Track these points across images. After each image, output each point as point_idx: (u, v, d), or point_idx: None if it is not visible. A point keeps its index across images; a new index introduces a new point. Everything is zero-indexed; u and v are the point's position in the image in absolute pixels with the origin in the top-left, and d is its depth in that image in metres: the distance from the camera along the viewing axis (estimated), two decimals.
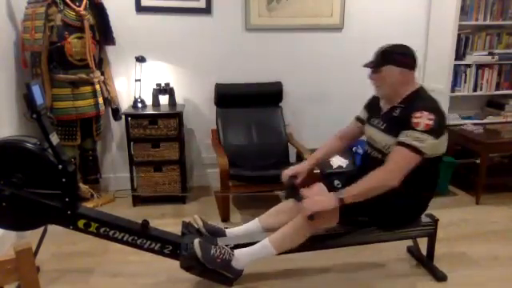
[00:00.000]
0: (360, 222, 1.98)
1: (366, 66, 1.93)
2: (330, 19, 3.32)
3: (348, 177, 2.02)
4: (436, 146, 1.79)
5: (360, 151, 3.06)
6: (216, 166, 2.94)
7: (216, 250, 1.84)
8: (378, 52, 1.91)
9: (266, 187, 2.85)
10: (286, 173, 2.07)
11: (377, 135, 1.95)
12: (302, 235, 1.87)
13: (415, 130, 1.72)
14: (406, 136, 1.74)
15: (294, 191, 1.99)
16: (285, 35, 3.31)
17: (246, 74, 3.26)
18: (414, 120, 1.74)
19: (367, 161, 2.05)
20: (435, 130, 1.73)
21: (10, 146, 1.78)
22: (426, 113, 1.74)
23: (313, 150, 3.15)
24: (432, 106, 1.80)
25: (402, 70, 1.85)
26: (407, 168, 1.73)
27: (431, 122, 1.72)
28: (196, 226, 2.05)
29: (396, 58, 1.86)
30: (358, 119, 2.18)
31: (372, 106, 2.10)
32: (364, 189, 1.75)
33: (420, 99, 1.85)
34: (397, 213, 1.93)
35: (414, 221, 2.09)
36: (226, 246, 1.91)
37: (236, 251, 1.88)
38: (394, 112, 1.89)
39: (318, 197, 1.84)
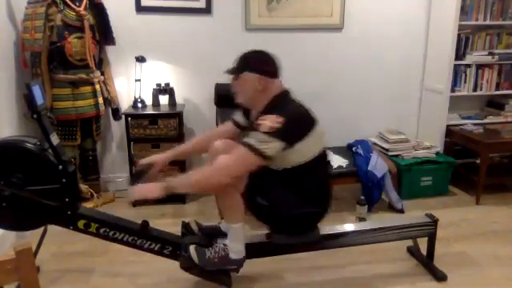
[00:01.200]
0: (258, 206, 1.83)
1: (226, 72, 1.89)
2: (329, 19, 3.32)
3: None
4: (292, 151, 1.72)
5: (360, 151, 3.06)
6: None
7: (211, 252, 1.85)
8: (239, 58, 1.86)
9: None
10: (143, 161, 2.04)
11: None
12: (230, 195, 1.79)
13: (258, 131, 1.67)
14: (248, 137, 1.70)
15: (136, 179, 1.97)
16: (285, 35, 3.31)
17: None
18: (259, 122, 1.70)
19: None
20: (282, 134, 1.66)
21: (10, 146, 1.78)
22: (273, 116, 1.69)
23: None
24: (284, 109, 1.74)
25: (261, 77, 1.80)
26: (244, 168, 1.69)
27: (277, 125, 1.65)
28: (194, 230, 2.07)
29: (254, 64, 1.82)
30: (234, 122, 2.11)
31: (246, 112, 2.04)
32: (194, 180, 1.72)
33: (278, 105, 1.79)
34: (286, 218, 1.85)
35: (303, 232, 1.98)
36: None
37: (227, 242, 1.87)
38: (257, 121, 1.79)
39: (147, 185, 1.78)
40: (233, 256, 1.86)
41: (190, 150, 2.18)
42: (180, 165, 3.03)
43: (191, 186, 1.77)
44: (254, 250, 1.95)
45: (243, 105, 1.96)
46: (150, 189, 1.75)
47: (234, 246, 1.86)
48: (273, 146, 1.66)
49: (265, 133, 1.66)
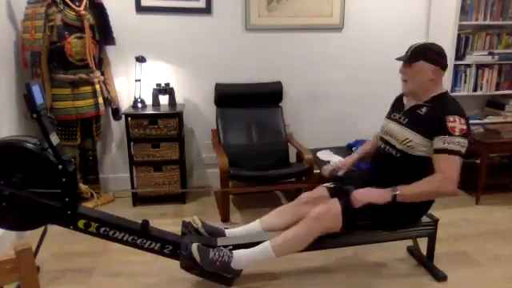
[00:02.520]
0: (362, 227, 1.97)
1: (398, 59, 1.94)
2: (329, 19, 3.32)
3: (361, 180, 2.00)
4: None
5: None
6: (216, 166, 2.94)
7: (215, 254, 1.84)
8: (413, 47, 1.91)
9: (266, 187, 2.85)
10: (327, 167, 2.18)
11: (396, 129, 1.96)
12: (304, 241, 1.86)
13: (453, 135, 1.76)
14: (449, 143, 1.76)
15: (339, 183, 2.02)
16: (285, 35, 3.31)
17: (246, 74, 3.26)
18: (450, 125, 1.77)
19: (380, 158, 2.06)
20: (468, 134, 1.79)
21: (10, 146, 1.78)
22: (457, 117, 1.78)
23: (313, 150, 3.16)
24: (461, 110, 1.84)
25: (435, 68, 1.86)
26: (458, 174, 1.77)
27: (465, 127, 1.77)
28: (195, 226, 2.05)
29: (431, 55, 1.87)
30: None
31: (395, 104, 2.13)
32: (418, 192, 1.79)
33: (448, 102, 1.87)
34: (399, 213, 1.92)
35: (415, 221, 2.10)
36: (226, 246, 1.91)
37: (235, 252, 1.87)
38: (420, 110, 1.90)
39: (376, 191, 1.85)
40: (233, 265, 1.85)
41: (368, 151, 2.28)
42: (180, 165, 3.04)
43: (417, 197, 1.83)
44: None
45: (408, 93, 2.01)
46: (379, 195, 1.81)
47: (243, 259, 1.87)
48: (467, 146, 1.79)
49: (461, 136, 1.76)
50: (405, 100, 2.05)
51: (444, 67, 1.90)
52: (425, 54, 1.87)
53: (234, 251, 1.88)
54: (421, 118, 1.87)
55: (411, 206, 1.90)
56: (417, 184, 1.78)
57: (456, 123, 1.76)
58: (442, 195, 1.83)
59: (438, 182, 1.77)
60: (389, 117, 2.09)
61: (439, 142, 1.77)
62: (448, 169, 1.76)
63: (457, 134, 1.75)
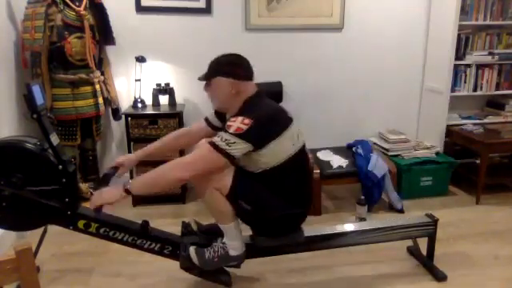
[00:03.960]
0: (243, 209, 1.80)
1: (199, 79, 1.89)
2: (329, 19, 3.32)
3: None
4: (261, 152, 1.71)
5: (360, 151, 3.05)
6: None
7: (210, 252, 1.85)
8: (210, 63, 1.86)
9: None
10: (112, 164, 2.03)
11: None
12: (214, 198, 1.78)
13: (226, 132, 1.68)
14: (216, 136, 1.70)
15: (102, 183, 1.96)
16: (285, 35, 3.31)
17: None
18: (228, 123, 1.70)
19: None
20: (248, 136, 1.66)
21: (10, 146, 1.77)
22: (241, 117, 1.69)
23: (313, 150, 3.16)
24: (254, 111, 1.73)
25: (232, 81, 1.78)
26: (205, 165, 1.68)
27: (244, 127, 1.66)
28: (194, 228, 2.06)
29: (225, 69, 1.80)
30: (207, 121, 2.10)
31: (219, 114, 2.03)
32: (151, 178, 1.70)
33: (249, 107, 1.78)
34: (269, 220, 1.84)
35: (286, 233, 1.95)
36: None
37: (225, 241, 1.86)
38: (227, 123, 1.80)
39: (106, 190, 1.77)
40: (232, 253, 1.86)
41: (160, 149, 2.11)
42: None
43: (150, 185, 1.73)
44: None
45: (219, 110, 1.96)
46: (109, 194, 1.74)
47: (232, 244, 1.86)
48: (239, 148, 1.66)
49: (232, 134, 1.66)
50: (227, 115, 1.93)
51: (243, 77, 1.81)
52: (219, 69, 1.81)
53: (224, 239, 1.87)
54: None
55: (279, 213, 1.82)
56: (155, 169, 1.70)
57: (235, 122, 1.68)
58: (177, 179, 1.70)
59: (175, 165, 1.68)
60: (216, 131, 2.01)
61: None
62: (193, 154, 1.70)
63: (230, 131, 1.66)
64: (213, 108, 2.01)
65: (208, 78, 1.85)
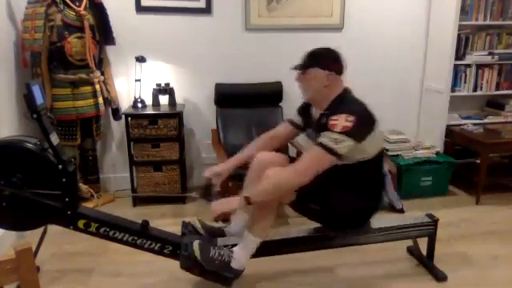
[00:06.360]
0: (311, 210, 1.90)
1: (294, 68, 1.92)
2: (330, 19, 3.32)
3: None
4: (358, 148, 1.75)
5: None
6: None
7: (215, 252, 1.83)
8: (306, 54, 1.89)
9: None
10: (207, 173, 2.06)
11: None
12: (269, 210, 1.82)
13: (332, 131, 1.70)
14: (322, 137, 1.72)
15: (209, 195, 1.98)
16: (285, 35, 3.31)
17: (246, 74, 3.25)
18: (331, 122, 1.72)
19: None
20: (354, 133, 1.70)
21: (10, 146, 1.78)
22: (344, 115, 1.72)
23: None
24: (353, 108, 1.77)
25: (329, 73, 1.83)
26: (318, 167, 1.70)
27: (349, 124, 1.69)
28: (195, 227, 2.06)
29: (323, 61, 1.85)
30: (291, 123, 2.14)
31: (304, 112, 2.08)
32: (268, 186, 1.72)
33: (343, 103, 1.83)
34: (340, 214, 1.88)
35: (357, 227, 2.04)
36: (226, 246, 1.91)
37: (234, 250, 1.87)
38: (323, 120, 1.84)
39: (226, 198, 1.84)
40: (234, 265, 1.84)
41: (251, 155, 2.13)
42: (180, 165, 3.04)
43: (272, 192, 1.75)
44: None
45: (310, 101, 1.99)
46: (230, 202, 1.80)
47: (241, 256, 1.84)
48: (346, 145, 1.70)
49: (339, 132, 1.69)
50: (312, 110, 2.00)
51: (338, 71, 1.87)
52: (317, 61, 1.86)
53: (233, 248, 1.87)
54: (322, 128, 1.79)
55: (349, 209, 1.87)
56: (270, 177, 1.73)
57: (339, 120, 1.71)
58: (294, 186, 1.74)
59: (288, 173, 1.72)
60: (306, 131, 2.08)
61: (318, 139, 1.74)
62: (303, 159, 1.73)
63: (336, 130, 1.69)
64: (303, 99, 2.04)
65: (305, 68, 1.88)
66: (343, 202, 1.84)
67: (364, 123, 1.76)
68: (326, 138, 1.71)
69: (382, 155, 1.92)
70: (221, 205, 1.81)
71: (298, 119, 2.12)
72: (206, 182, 2.02)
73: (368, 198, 1.91)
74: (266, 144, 2.14)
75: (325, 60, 1.86)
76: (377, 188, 1.99)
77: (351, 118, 1.70)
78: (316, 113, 1.95)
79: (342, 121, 1.71)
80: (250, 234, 1.84)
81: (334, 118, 1.73)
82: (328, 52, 1.90)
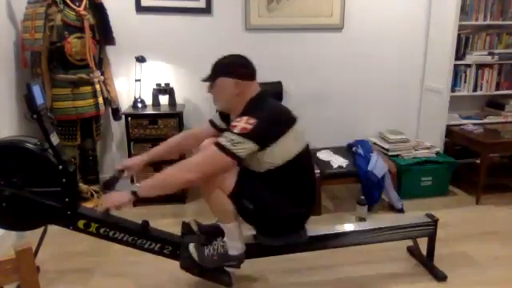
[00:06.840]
0: (244, 208, 1.80)
1: (203, 80, 1.88)
2: (329, 19, 3.32)
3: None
4: (266, 152, 1.71)
5: (360, 151, 3.05)
6: None
7: (209, 250, 1.86)
8: (213, 64, 1.86)
9: None
10: (117, 166, 2.04)
11: None
12: (217, 195, 1.78)
13: (231, 132, 1.67)
14: (220, 137, 1.70)
15: (108, 186, 1.97)
16: (285, 35, 3.31)
17: None
18: (233, 123, 1.71)
19: None
20: (253, 135, 1.65)
21: (11, 146, 1.77)
22: (245, 117, 1.69)
23: (313, 150, 3.15)
24: (257, 111, 1.72)
25: (236, 81, 1.78)
26: (211, 167, 1.69)
27: (249, 126, 1.66)
28: (194, 228, 2.07)
29: (229, 69, 1.80)
30: (212, 123, 2.09)
31: (223, 115, 2.02)
32: (159, 180, 1.72)
33: (252, 107, 1.78)
34: (271, 218, 1.83)
35: (288, 234, 1.93)
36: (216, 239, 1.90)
37: (225, 240, 1.86)
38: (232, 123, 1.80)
39: (115, 193, 1.80)
40: (232, 252, 1.86)
41: (166, 151, 2.11)
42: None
43: (157, 188, 1.74)
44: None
45: (223, 110, 1.96)
46: (119, 197, 1.76)
47: (232, 244, 1.86)
48: (245, 147, 1.66)
49: (237, 133, 1.66)
50: (231, 116, 1.93)
51: (246, 76, 1.81)
52: (222, 70, 1.81)
53: (224, 239, 1.87)
54: None
55: (283, 213, 1.81)
56: (162, 171, 1.73)
57: (240, 122, 1.68)
58: (184, 180, 1.71)
59: (181, 166, 1.70)
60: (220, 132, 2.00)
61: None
62: (199, 155, 1.72)
63: (235, 131, 1.66)
64: (216, 109, 2.01)
65: (211, 78, 1.84)
66: (274, 206, 1.79)
67: (267, 126, 1.70)
68: (223, 138, 1.68)
69: (305, 158, 1.84)
70: (112, 197, 1.77)
71: (219, 121, 2.06)
72: (113, 173, 2.00)
73: (298, 204, 1.83)
74: (182, 142, 2.11)
75: (231, 68, 1.81)
76: (306, 193, 1.89)
77: (252, 121, 1.67)
78: (233, 117, 1.89)
79: (242, 123, 1.68)
80: (220, 223, 1.86)
81: (238, 119, 1.71)
82: (234, 59, 1.85)
